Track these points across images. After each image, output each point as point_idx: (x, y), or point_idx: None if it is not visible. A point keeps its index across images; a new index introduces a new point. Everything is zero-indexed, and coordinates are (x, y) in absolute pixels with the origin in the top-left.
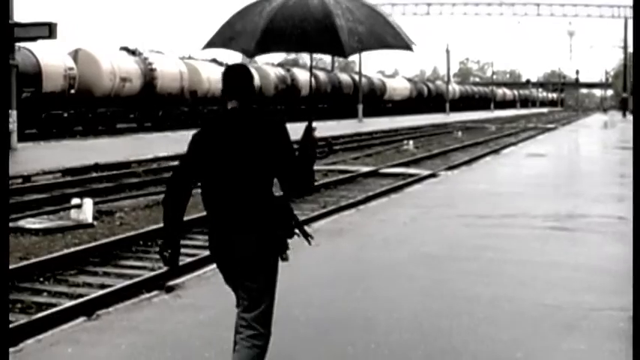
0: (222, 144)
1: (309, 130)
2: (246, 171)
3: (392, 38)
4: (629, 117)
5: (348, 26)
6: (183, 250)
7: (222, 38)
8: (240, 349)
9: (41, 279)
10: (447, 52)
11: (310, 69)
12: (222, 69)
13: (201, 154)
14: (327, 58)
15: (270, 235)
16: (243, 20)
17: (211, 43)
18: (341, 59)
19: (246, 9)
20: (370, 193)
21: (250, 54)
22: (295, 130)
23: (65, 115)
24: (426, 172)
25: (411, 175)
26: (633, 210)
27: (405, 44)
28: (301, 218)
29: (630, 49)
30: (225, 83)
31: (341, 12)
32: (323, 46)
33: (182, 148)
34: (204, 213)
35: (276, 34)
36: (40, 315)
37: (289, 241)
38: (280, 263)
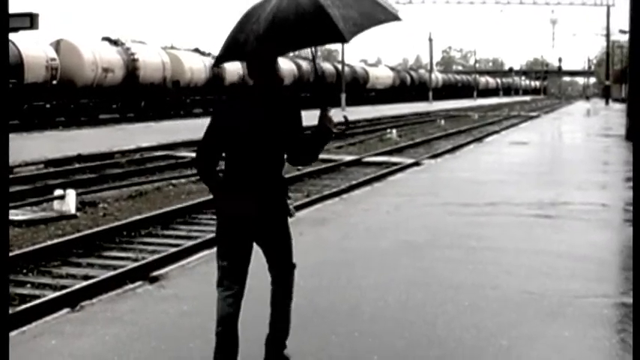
0: (243, 118)
1: (325, 114)
2: (266, 143)
3: (381, 14)
4: (612, 104)
5: (341, 13)
6: (165, 241)
7: (231, 51)
8: (275, 281)
9: (25, 270)
10: (430, 40)
11: (313, 59)
12: (204, 59)
13: (224, 126)
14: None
15: (283, 198)
16: (245, 30)
17: (221, 58)
18: (323, 47)
19: (245, 18)
20: (353, 182)
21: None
22: None
23: (47, 105)
24: (409, 161)
25: (394, 164)
26: (633, 209)
27: (393, 15)
28: None
29: (612, 37)
30: (247, 61)
31: (330, 1)
32: (323, 38)
33: (165, 138)
34: (185, 204)
35: (278, 38)
36: (23, 307)
37: None
38: None
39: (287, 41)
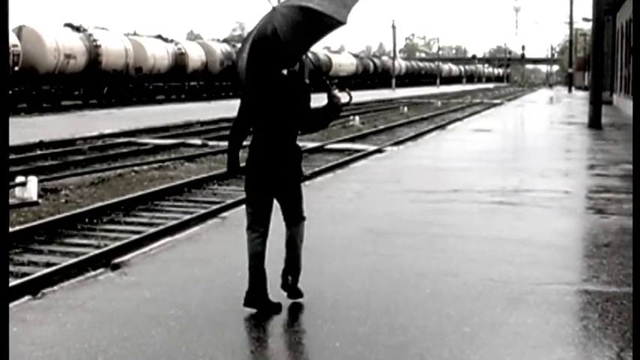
0: (269, 99)
1: (329, 90)
2: (285, 119)
3: (326, 26)
4: (575, 92)
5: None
6: (127, 228)
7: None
8: (290, 228)
9: None
10: (393, 27)
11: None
12: (167, 45)
13: (254, 106)
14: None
15: (298, 162)
16: (239, 53)
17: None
18: None
19: (243, 41)
20: (316, 169)
21: (243, 81)
22: (236, 107)
23: (9, 92)
24: (371, 148)
25: (356, 151)
26: (633, 209)
27: (333, 22)
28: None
29: (576, 25)
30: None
31: (287, 28)
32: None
33: (127, 124)
34: (147, 191)
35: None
36: None
37: None
38: None
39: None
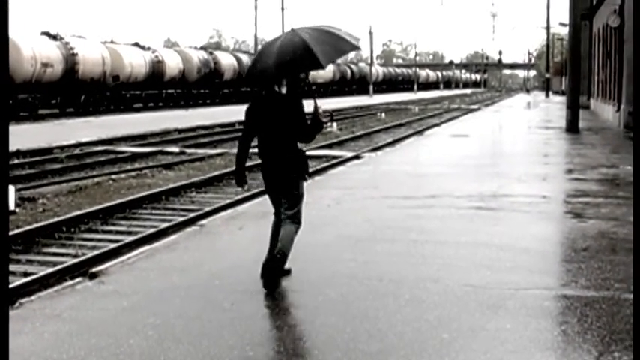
0: (267, 113)
1: (316, 109)
2: (283, 130)
3: (346, 46)
4: (552, 97)
5: (320, 49)
6: (105, 236)
7: (252, 76)
8: (284, 228)
9: None
10: (370, 33)
11: (306, 76)
12: (144, 53)
13: (255, 121)
14: (249, 42)
15: (298, 168)
16: (261, 62)
17: (248, 79)
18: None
19: (259, 54)
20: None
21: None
22: (213, 114)
23: None
24: (349, 154)
25: (334, 157)
26: (633, 210)
27: (353, 46)
28: (225, 202)
29: (552, 30)
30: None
31: (313, 41)
32: (309, 65)
33: (105, 133)
34: (125, 199)
35: (281, 66)
36: None
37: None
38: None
39: (288, 68)
